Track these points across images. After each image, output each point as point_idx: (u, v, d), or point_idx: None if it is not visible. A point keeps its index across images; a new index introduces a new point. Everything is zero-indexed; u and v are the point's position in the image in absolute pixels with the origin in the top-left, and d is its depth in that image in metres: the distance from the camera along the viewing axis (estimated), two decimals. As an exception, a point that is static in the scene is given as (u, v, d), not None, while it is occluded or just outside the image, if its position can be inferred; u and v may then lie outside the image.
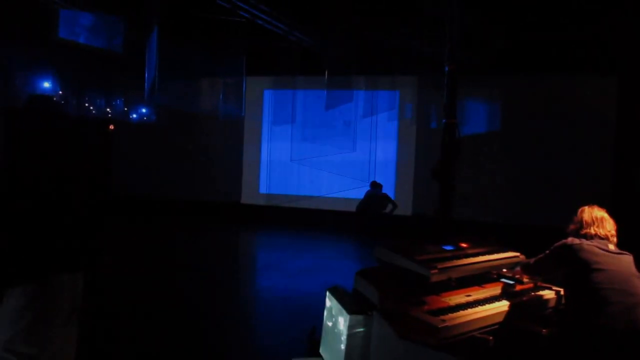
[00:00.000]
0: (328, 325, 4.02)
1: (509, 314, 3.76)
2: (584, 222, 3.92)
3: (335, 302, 3.88)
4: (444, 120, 5.27)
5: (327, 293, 4.08)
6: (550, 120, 13.09)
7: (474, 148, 13.17)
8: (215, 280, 9.15)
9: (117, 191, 16.83)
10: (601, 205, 4.03)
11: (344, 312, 3.66)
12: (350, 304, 3.75)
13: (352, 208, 14.33)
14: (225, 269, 10.45)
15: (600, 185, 12.30)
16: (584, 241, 3.79)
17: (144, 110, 16.05)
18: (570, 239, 3.85)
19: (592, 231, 3.87)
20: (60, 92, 13.93)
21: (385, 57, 13.33)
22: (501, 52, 12.57)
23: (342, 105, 14.85)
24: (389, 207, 13.54)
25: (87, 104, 15.39)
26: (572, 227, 4.01)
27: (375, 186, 13.63)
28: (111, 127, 16.98)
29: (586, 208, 4.00)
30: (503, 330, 3.70)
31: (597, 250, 3.70)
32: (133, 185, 16.58)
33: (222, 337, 6.34)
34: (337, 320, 3.80)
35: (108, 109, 16.07)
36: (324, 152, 15.31)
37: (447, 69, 5.27)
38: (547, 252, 3.92)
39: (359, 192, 14.04)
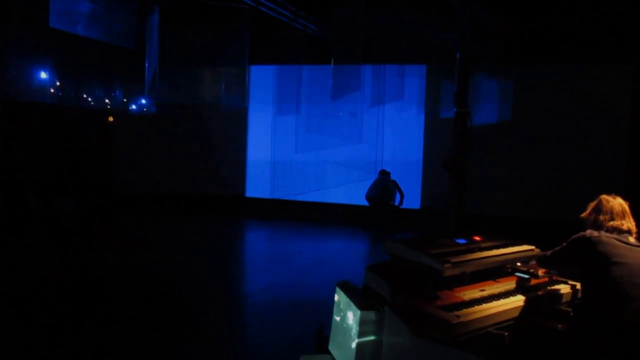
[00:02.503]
0: (337, 322, 4.01)
1: (524, 309, 3.74)
2: (604, 212, 3.82)
3: (345, 297, 3.87)
4: (455, 109, 5.22)
5: (337, 288, 4.07)
6: (563, 111, 13.01)
7: (483, 139, 13.11)
8: (220, 276, 9.17)
9: (116, 185, 16.85)
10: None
11: (354, 308, 3.65)
12: (360, 299, 3.73)
13: (358, 201, 14.30)
14: (230, 264, 10.47)
15: (613, 176, 12.27)
16: (603, 233, 3.70)
17: (143, 101, 16.04)
18: (588, 231, 3.75)
19: (612, 222, 3.77)
20: (58, 83, 13.92)
21: (394, 45, 13.26)
22: (512, 41, 12.49)
23: (349, 95, 14.78)
24: (397, 196, 13.51)
25: (85, 95, 15.39)
26: (592, 216, 3.88)
27: (384, 174, 13.62)
28: (110, 118, 17.00)
29: (609, 197, 3.89)
30: (518, 325, 3.68)
31: (616, 242, 3.63)
32: (133, 179, 16.57)
33: (228, 334, 6.36)
34: (347, 317, 3.79)
35: (107, 100, 16.07)
36: (330, 143, 15.27)
37: (458, 56, 5.23)
38: (565, 244, 3.85)
39: (365, 185, 13.99)
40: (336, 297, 4.07)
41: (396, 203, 13.53)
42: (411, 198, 14.07)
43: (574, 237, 3.80)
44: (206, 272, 9.37)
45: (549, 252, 4.04)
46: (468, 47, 5.17)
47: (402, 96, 14.60)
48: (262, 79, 15.75)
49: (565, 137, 13.00)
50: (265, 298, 7.88)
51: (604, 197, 3.92)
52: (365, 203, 13.89)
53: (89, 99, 15.68)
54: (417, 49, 13.07)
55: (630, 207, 3.91)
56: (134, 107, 16.36)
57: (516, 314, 3.70)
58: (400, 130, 14.76)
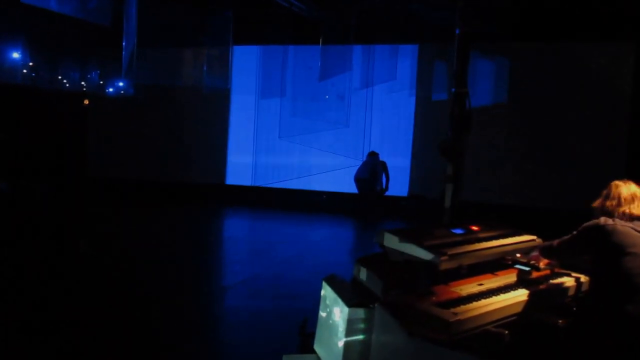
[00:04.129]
0: (323, 319, 3.80)
1: (526, 304, 3.56)
2: (619, 199, 3.64)
3: (332, 293, 3.66)
4: (453, 90, 4.99)
5: (323, 283, 3.86)
6: (562, 91, 12.87)
7: (478, 121, 12.91)
8: (197, 267, 8.95)
9: (91, 171, 16.57)
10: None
11: (342, 304, 3.45)
12: (349, 295, 3.54)
13: (344, 188, 14.16)
14: (208, 254, 10.25)
15: (614, 159, 12.23)
16: (618, 221, 3.53)
17: (121, 84, 15.68)
18: (602, 219, 3.58)
19: (628, 210, 3.60)
20: (31, 64, 13.54)
21: (384, 23, 13.05)
22: (509, 19, 12.30)
23: (337, 77, 14.56)
24: (383, 178, 13.42)
25: (60, 77, 15.03)
26: (606, 203, 3.69)
27: (373, 155, 13.51)
28: (86, 101, 16.67)
29: (619, 182, 3.72)
30: (519, 322, 3.51)
31: (632, 232, 3.48)
32: (109, 165, 16.30)
33: (203, 330, 6.13)
34: (334, 313, 3.58)
35: (83, 82, 15.72)
36: (316, 127, 15.02)
37: (457, 32, 4.98)
38: (575, 233, 3.68)
39: (352, 171, 13.84)
40: (322, 292, 3.86)
41: (383, 186, 13.44)
42: (399, 185, 13.92)
43: (586, 225, 3.64)
44: (183, 263, 9.13)
45: (555, 242, 3.87)
46: (468, 23, 4.92)
47: (393, 78, 14.40)
48: (245, 60, 15.44)
49: (564, 119, 12.85)
50: (245, 291, 7.65)
51: (614, 182, 3.75)
52: (352, 190, 13.79)
53: (64, 81, 15.33)
54: (409, 28, 12.88)
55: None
56: (111, 89, 16.00)
57: (517, 310, 3.52)
58: (389, 113, 14.56)
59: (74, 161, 16.38)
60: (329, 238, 11.87)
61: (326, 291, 3.80)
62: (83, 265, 8.76)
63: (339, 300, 3.51)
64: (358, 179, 13.47)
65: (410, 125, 14.28)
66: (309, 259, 9.71)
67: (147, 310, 6.65)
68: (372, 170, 13.32)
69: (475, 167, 12.27)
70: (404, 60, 14.30)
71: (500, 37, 12.57)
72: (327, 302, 3.75)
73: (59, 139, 15.85)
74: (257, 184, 15.59)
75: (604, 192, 3.75)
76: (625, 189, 3.68)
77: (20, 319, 6.10)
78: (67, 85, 15.40)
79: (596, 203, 3.77)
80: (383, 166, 13.46)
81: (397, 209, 13.70)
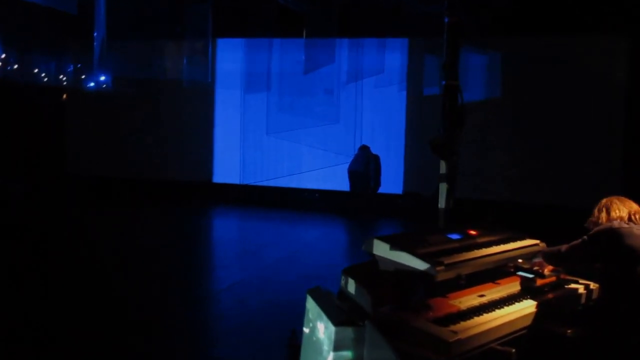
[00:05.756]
0: (308, 335, 3.54)
1: (533, 316, 3.37)
2: (598, 216, 3.66)
3: (317, 308, 3.39)
4: (443, 82, 4.73)
5: (307, 296, 3.59)
6: (555, 85, 12.72)
7: (470, 116, 12.77)
8: (180, 272, 8.69)
9: (70, 169, 16.31)
10: (614, 178, 3.75)
11: (328, 322, 3.18)
12: (336, 311, 3.28)
13: (336, 185, 14.01)
14: (192, 257, 9.98)
15: (612, 153, 12.08)
16: (634, 225, 3.50)
17: (102, 78, 15.33)
18: (616, 222, 3.54)
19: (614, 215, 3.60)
20: (3, 56, 13.20)
21: (372, 15, 12.86)
22: (501, 11, 12.15)
23: (324, 72, 14.35)
24: (373, 169, 13.31)
25: (37, 70, 14.69)
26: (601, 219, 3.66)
27: (364, 148, 13.49)
28: (64, 96, 16.38)
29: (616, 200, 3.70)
30: (526, 337, 3.32)
31: None
32: (88, 163, 16.04)
33: (184, 343, 5.86)
34: (319, 330, 3.33)
35: (62, 76, 15.39)
36: (304, 123, 14.79)
37: (446, 20, 4.72)
38: (586, 237, 3.59)
39: (344, 168, 13.68)
40: (307, 305, 3.59)
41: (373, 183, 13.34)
42: (393, 182, 13.73)
43: (598, 229, 3.58)
44: (165, 266, 8.87)
45: (563, 247, 3.73)
46: (458, 11, 4.66)
47: (382, 72, 14.21)
48: (229, 53, 15.18)
49: (558, 115, 12.71)
50: (231, 298, 7.41)
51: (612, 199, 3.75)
52: (344, 188, 13.71)
53: (42, 75, 15.00)
54: (398, 22, 12.73)
55: (626, 189, 3.74)
56: (92, 84, 15.64)
57: (524, 323, 3.33)
58: (380, 108, 14.36)
59: (51, 158, 16.06)
60: (320, 238, 11.66)
61: (310, 305, 3.54)
62: (58, 269, 8.49)
63: (325, 318, 3.25)
64: (352, 172, 13.40)
65: (402, 121, 14.09)
66: (300, 262, 9.45)
67: (127, 320, 6.40)
68: (365, 164, 13.22)
69: (473, 166, 12.10)
70: (394, 54, 14.11)
71: (494, 31, 12.46)
72: (311, 316, 3.49)
73: (35, 135, 15.52)
74: (246, 182, 15.35)
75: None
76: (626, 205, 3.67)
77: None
78: (46, 79, 15.07)
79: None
80: (375, 160, 13.34)
81: (392, 207, 13.53)
